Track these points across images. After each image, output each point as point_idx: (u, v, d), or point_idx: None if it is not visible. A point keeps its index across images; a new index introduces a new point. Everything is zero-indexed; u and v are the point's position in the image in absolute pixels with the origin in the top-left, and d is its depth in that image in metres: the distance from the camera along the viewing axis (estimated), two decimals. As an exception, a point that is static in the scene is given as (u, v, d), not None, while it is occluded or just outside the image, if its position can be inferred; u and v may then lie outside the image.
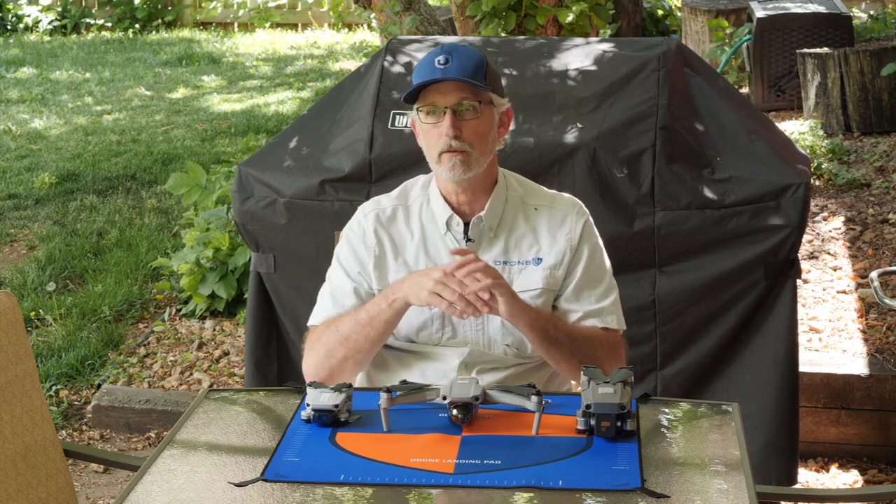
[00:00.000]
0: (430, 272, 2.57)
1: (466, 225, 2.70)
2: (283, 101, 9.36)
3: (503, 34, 5.36)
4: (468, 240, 2.69)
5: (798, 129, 6.67)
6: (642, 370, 3.52)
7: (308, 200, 3.63)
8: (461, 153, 2.61)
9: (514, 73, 3.75)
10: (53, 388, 4.71)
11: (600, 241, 2.77)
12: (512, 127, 2.77)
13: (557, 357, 2.63)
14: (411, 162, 3.48)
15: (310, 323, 2.78)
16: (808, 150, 6.31)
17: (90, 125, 8.74)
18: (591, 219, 2.77)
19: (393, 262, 2.72)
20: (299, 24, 12.67)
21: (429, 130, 2.64)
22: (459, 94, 2.61)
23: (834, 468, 3.99)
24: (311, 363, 2.70)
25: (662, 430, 2.34)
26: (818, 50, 7.07)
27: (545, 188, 2.82)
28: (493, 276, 2.54)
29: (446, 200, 2.71)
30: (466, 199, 2.70)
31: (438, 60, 2.60)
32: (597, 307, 2.70)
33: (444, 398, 2.33)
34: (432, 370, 2.66)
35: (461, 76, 2.59)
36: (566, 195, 2.81)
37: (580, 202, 2.79)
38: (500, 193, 2.72)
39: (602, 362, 2.60)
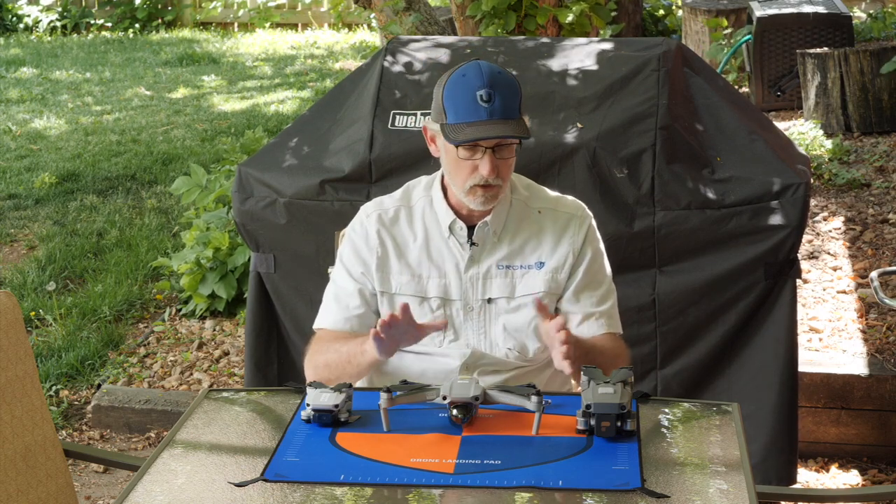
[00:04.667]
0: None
1: (470, 229, 2.69)
2: (283, 101, 9.36)
3: (503, 34, 5.36)
4: (472, 244, 2.69)
5: (798, 129, 6.67)
6: (642, 370, 3.52)
7: (308, 200, 3.63)
8: (494, 187, 2.60)
9: (514, 73, 3.74)
10: (53, 388, 4.71)
11: (602, 245, 2.77)
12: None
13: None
14: (411, 162, 3.48)
15: (315, 326, 2.78)
16: (808, 150, 6.31)
17: (90, 125, 8.74)
18: (594, 222, 2.76)
19: (396, 263, 2.71)
20: (299, 24, 12.67)
21: (461, 162, 2.59)
22: (501, 138, 2.56)
23: (834, 468, 3.99)
24: (311, 372, 2.70)
25: (662, 430, 2.34)
26: (818, 50, 7.07)
27: (549, 190, 2.81)
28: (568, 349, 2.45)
29: (452, 206, 2.70)
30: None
31: (481, 97, 2.53)
32: (595, 310, 2.70)
33: (444, 398, 2.33)
34: (433, 370, 2.66)
35: (507, 118, 2.54)
36: (570, 198, 2.80)
37: (584, 205, 2.78)
38: (505, 198, 2.71)
39: (613, 366, 2.60)
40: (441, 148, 2.65)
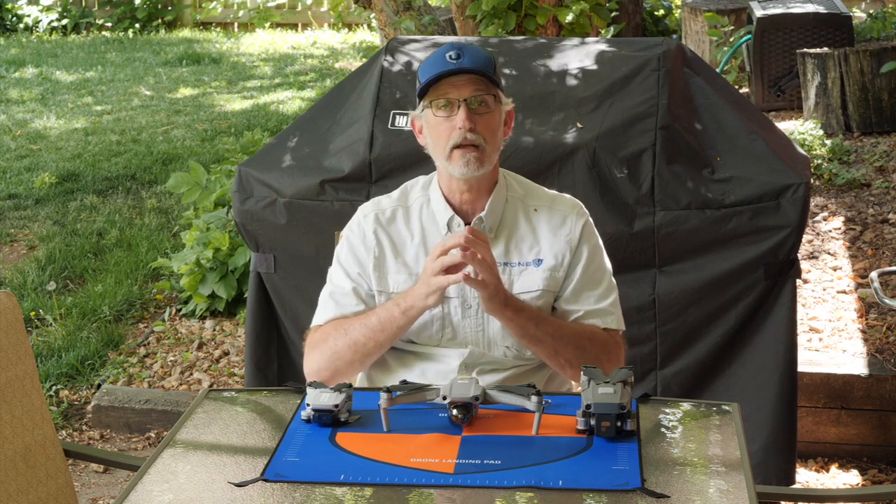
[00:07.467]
0: (425, 272, 2.57)
1: (468, 225, 2.69)
2: (284, 101, 9.36)
3: (503, 34, 5.36)
4: (469, 240, 2.69)
5: (798, 129, 6.67)
6: (642, 370, 3.52)
7: (308, 200, 3.63)
8: (475, 148, 2.60)
9: (514, 73, 3.75)
10: (53, 388, 4.71)
11: (600, 242, 2.77)
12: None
13: (541, 354, 2.64)
14: (411, 162, 3.48)
15: (312, 325, 2.77)
16: (808, 150, 6.31)
17: (90, 125, 8.74)
18: (591, 219, 2.76)
19: (393, 262, 2.71)
20: (299, 24, 12.67)
21: (440, 124, 2.62)
22: (474, 87, 2.60)
23: (834, 468, 3.99)
24: (315, 363, 2.69)
25: (662, 430, 2.34)
26: (818, 50, 7.07)
27: (545, 189, 2.81)
28: (486, 270, 2.52)
29: (447, 200, 2.70)
30: (469, 198, 2.69)
31: (450, 56, 2.59)
32: (596, 308, 2.69)
33: (444, 398, 2.33)
34: (432, 370, 2.66)
35: (476, 68, 2.59)
36: (566, 196, 2.80)
37: (580, 203, 2.78)
38: (500, 194, 2.71)
39: (596, 360, 2.60)
40: (423, 125, 2.66)
